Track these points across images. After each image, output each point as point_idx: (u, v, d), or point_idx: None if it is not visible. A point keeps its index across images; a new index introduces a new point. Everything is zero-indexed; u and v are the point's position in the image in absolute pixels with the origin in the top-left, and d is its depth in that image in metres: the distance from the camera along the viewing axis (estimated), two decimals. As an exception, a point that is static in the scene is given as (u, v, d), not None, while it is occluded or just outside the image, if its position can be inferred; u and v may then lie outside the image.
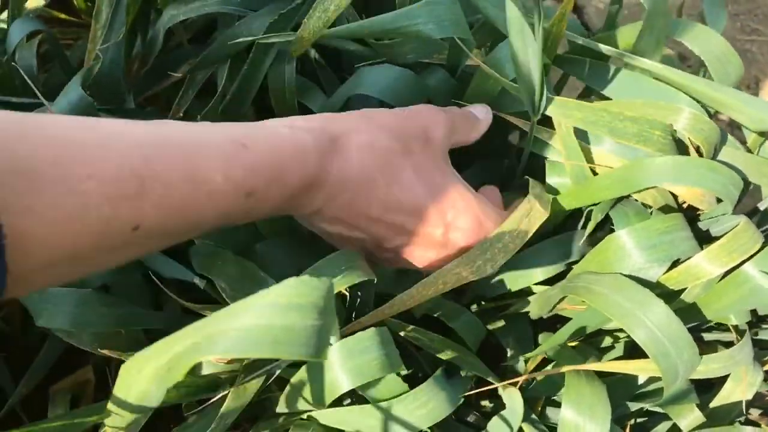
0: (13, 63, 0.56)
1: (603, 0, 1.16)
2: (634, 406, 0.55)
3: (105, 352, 0.49)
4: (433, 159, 0.44)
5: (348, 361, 0.42)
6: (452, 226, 0.44)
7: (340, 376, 0.42)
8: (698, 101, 0.48)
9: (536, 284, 0.53)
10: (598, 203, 0.49)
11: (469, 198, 0.45)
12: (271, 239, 0.51)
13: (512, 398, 0.48)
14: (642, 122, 0.47)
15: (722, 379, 0.54)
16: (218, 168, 0.33)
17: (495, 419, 0.49)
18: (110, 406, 0.30)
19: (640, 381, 0.54)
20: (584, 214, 0.53)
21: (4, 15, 0.65)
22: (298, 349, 0.24)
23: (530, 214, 0.46)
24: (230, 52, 0.53)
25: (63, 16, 0.77)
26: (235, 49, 0.53)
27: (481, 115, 0.49)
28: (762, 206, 0.53)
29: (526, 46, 0.44)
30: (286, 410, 0.46)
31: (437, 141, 0.45)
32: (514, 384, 0.50)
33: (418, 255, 0.46)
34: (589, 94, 0.61)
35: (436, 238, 0.44)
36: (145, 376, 0.28)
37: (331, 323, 0.26)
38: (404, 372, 0.44)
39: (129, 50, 0.59)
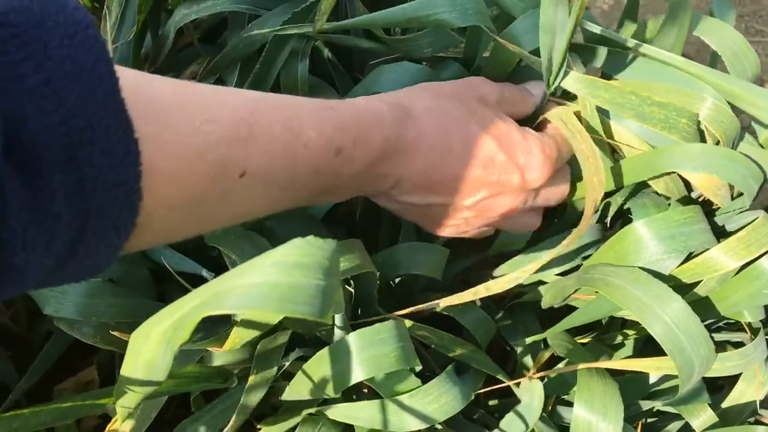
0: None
1: (607, 1, 1.16)
2: (646, 405, 0.54)
3: (109, 346, 0.48)
4: (494, 114, 0.46)
5: (364, 351, 0.42)
6: (527, 167, 0.45)
7: (354, 366, 0.42)
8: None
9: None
10: (618, 190, 0.48)
11: (532, 137, 0.46)
12: (283, 217, 0.51)
13: (532, 393, 0.48)
14: (670, 108, 0.46)
15: (732, 380, 0.54)
16: (312, 123, 0.36)
17: (510, 415, 0.49)
18: (119, 384, 0.30)
19: (653, 380, 0.54)
20: (601, 207, 0.52)
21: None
22: (303, 307, 0.24)
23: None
24: (243, 53, 0.53)
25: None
26: (247, 49, 0.52)
27: (535, 90, 0.50)
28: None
29: (556, 13, 0.44)
30: (293, 399, 0.45)
31: (492, 103, 0.47)
32: (537, 378, 0.49)
33: (499, 205, 0.46)
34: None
35: (515, 183, 0.45)
36: (152, 342, 0.28)
37: (335, 286, 0.26)
38: (418, 368, 0.44)
39: (138, 50, 0.59)
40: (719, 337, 0.58)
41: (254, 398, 0.44)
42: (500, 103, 0.48)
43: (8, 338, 0.63)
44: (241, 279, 0.25)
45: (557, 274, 0.51)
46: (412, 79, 0.50)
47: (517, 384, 0.51)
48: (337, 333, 0.45)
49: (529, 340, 0.56)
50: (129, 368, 0.29)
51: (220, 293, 0.25)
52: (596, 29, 0.48)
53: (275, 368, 0.44)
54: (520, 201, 0.47)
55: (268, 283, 0.24)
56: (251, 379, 0.44)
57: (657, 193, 0.49)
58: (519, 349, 0.57)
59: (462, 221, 0.48)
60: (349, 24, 0.47)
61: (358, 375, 0.42)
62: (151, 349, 0.28)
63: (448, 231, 0.49)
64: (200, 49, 0.60)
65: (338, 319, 0.45)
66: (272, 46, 0.51)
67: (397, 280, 0.58)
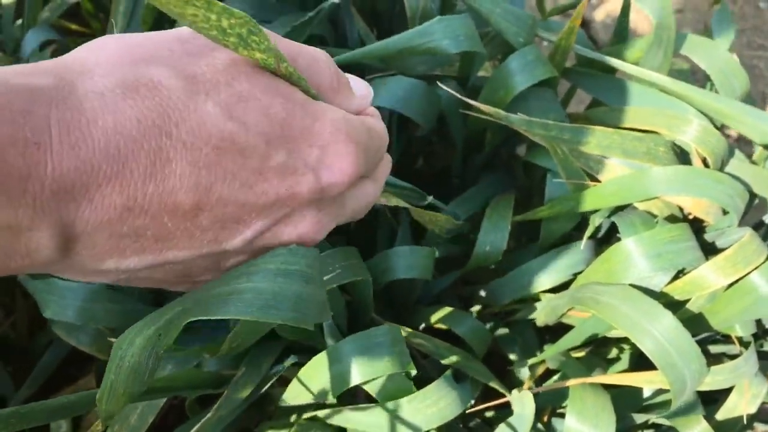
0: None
1: (610, 15, 1.17)
2: (640, 419, 0.55)
3: (105, 356, 0.49)
4: (255, 77, 0.27)
5: (359, 355, 0.42)
6: (322, 166, 0.29)
7: (349, 370, 0.42)
8: (705, 114, 0.49)
9: (543, 291, 0.53)
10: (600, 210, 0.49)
11: (329, 114, 0.29)
12: None
13: (523, 403, 0.49)
14: (648, 140, 0.48)
15: (727, 392, 0.54)
16: None
17: (503, 426, 0.50)
18: (102, 388, 0.31)
19: (647, 393, 0.55)
20: (591, 223, 0.53)
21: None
22: (285, 313, 0.25)
23: None
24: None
25: (74, 27, 0.78)
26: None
27: (358, 87, 0.34)
28: (767, 219, 0.54)
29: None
30: (289, 404, 0.46)
31: (241, 64, 0.27)
32: (528, 389, 0.50)
33: (287, 235, 0.29)
34: (597, 106, 0.61)
35: (305, 193, 0.29)
36: (136, 348, 0.28)
37: (318, 294, 0.26)
38: (413, 372, 0.44)
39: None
40: (716, 349, 0.59)
41: (242, 397, 0.45)
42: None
43: (7, 350, 0.64)
44: (225, 286, 0.26)
45: (548, 290, 0.52)
46: (407, 93, 0.51)
47: (520, 390, 0.52)
48: (328, 340, 0.46)
49: (531, 361, 0.56)
50: (112, 373, 0.30)
51: (206, 299, 0.25)
52: (587, 53, 0.49)
53: (264, 372, 0.45)
54: (317, 219, 0.30)
55: (251, 290, 0.25)
56: (239, 381, 0.45)
57: (644, 211, 0.50)
58: (516, 361, 0.58)
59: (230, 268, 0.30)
60: (351, 57, 0.47)
61: (355, 378, 0.42)
62: (134, 353, 0.28)
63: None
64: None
65: (326, 327, 0.46)
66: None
67: (391, 291, 0.59)
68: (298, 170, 0.28)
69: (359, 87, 0.34)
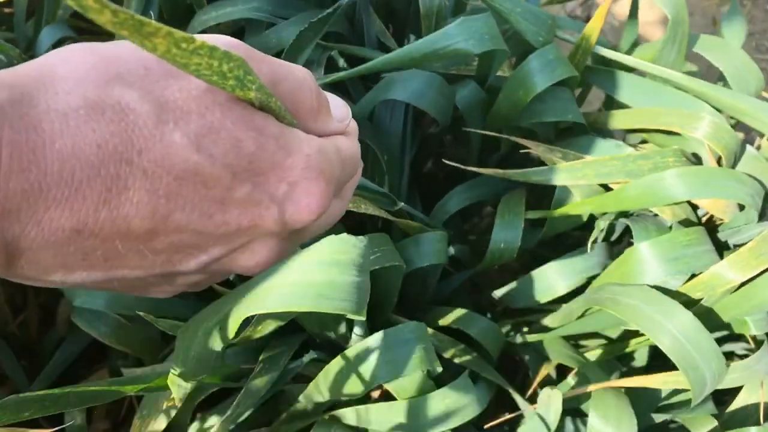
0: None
1: (617, 18, 1.17)
2: (658, 418, 0.55)
3: (122, 346, 0.50)
4: (231, 109, 0.26)
5: (387, 352, 0.42)
6: (288, 201, 0.28)
7: (378, 367, 0.42)
8: (720, 112, 0.49)
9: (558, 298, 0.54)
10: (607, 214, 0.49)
11: (302, 145, 0.28)
12: None
13: (549, 403, 0.48)
14: (653, 155, 0.48)
15: (736, 391, 0.54)
16: None
17: (526, 425, 0.49)
18: (174, 367, 0.32)
19: (664, 393, 0.55)
20: (605, 228, 0.54)
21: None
22: (340, 303, 0.25)
23: None
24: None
25: (84, 25, 0.79)
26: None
27: (337, 109, 0.32)
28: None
29: None
30: (308, 401, 0.46)
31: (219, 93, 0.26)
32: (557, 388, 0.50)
33: (244, 261, 0.29)
34: (610, 104, 0.62)
35: (268, 226, 0.28)
36: (200, 338, 0.29)
37: (368, 282, 0.26)
38: (439, 369, 0.44)
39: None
40: (723, 348, 0.59)
41: (260, 391, 0.45)
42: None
43: (18, 347, 0.64)
44: (278, 278, 0.26)
45: (565, 294, 0.52)
46: (423, 86, 0.50)
47: (531, 399, 0.52)
48: (356, 333, 0.46)
49: (544, 370, 0.56)
50: (180, 360, 0.30)
51: (260, 293, 0.26)
52: (606, 52, 0.49)
53: (282, 366, 0.45)
54: (277, 249, 0.29)
55: (305, 282, 0.25)
56: (257, 374, 0.45)
57: (657, 216, 0.50)
58: (529, 363, 0.58)
59: (183, 287, 0.31)
60: (372, 66, 0.47)
61: (384, 375, 0.42)
62: (199, 344, 0.29)
63: (160, 296, 0.32)
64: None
65: (356, 321, 0.45)
66: (289, 53, 0.52)
67: (405, 289, 0.59)
68: (263, 203, 0.27)
69: (338, 107, 0.32)
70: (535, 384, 0.56)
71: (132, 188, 0.24)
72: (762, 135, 0.51)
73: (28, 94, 0.23)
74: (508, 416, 0.50)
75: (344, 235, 0.27)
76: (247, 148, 0.26)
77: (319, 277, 0.25)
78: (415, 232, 0.50)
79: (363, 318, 0.25)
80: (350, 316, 0.24)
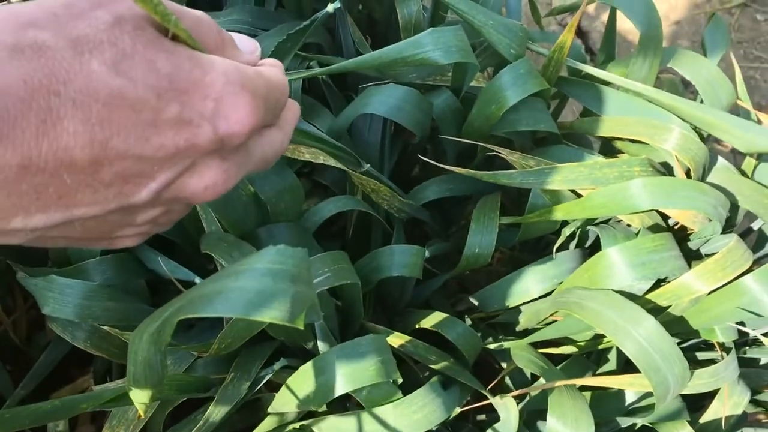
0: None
1: (600, 30, 1.18)
2: (624, 422, 0.56)
3: (99, 352, 0.50)
4: (139, 36, 0.28)
5: (345, 364, 0.43)
6: (217, 115, 0.29)
7: (335, 379, 0.43)
8: (692, 125, 0.50)
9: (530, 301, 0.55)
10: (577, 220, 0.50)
11: (218, 66, 0.30)
12: (275, 224, 0.52)
13: (508, 409, 0.50)
14: (619, 164, 0.49)
15: (711, 398, 0.55)
16: None
17: (490, 430, 0.51)
18: (128, 379, 0.33)
19: (633, 397, 0.55)
20: (577, 236, 0.55)
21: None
22: (271, 311, 0.26)
23: None
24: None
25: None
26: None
27: (244, 44, 0.35)
28: (755, 226, 0.55)
29: None
30: (278, 411, 0.47)
31: (129, 19, 0.28)
32: (512, 396, 0.51)
33: (195, 185, 0.30)
34: (587, 114, 0.63)
35: (205, 143, 0.29)
36: (144, 343, 0.30)
37: (306, 293, 0.27)
38: (399, 380, 0.45)
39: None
40: (703, 356, 0.60)
41: (231, 400, 0.46)
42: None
43: (7, 350, 0.65)
44: (215, 285, 0.27)
45: (535, 298, 0.53)
46: (400, 101, 0.52)
47: (504, 397, 0.53)
48: (320, 343, 0.47)
49: (509, 368, 0.57)
50: (132, 366, 0.31)
51: (196, 298, 0.27)
52: (577, 65, 0.50)
53: (254, 374, 0.46)
54: (222, 169, 0.31)
55: (239, 289, 0.26)
56: (229, 384, 0.46)
57: (625, 223, 0.51)
58: (505, 367, 0.59)
59: (146, 227, 0.33)
60: (344, 66, 0.48)
61: (340, 388, 0.44)
62: (144, 348, 0.30)
63: (127, 243, 0.34)
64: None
65: (318, 328, 0.47)
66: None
67: (382, 293, 0.60)
68: (193, 121, 0.28)
69: (246, 44, 0.35)
70: (500, 377, 0.57)
71: (65, 118, 0.25)
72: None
73: None
74: (477, 405, 0.51)
75: (281, 246, 0.28)
76: (163, 68, 0.27)
77: (252, 284, 0.26)
78: (387, 198, 0.52)
79: (300, 327, 0.26)
80: (284, 323, 0.25)
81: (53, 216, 0.27)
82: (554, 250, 0.51)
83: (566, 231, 0.50)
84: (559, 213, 0.49)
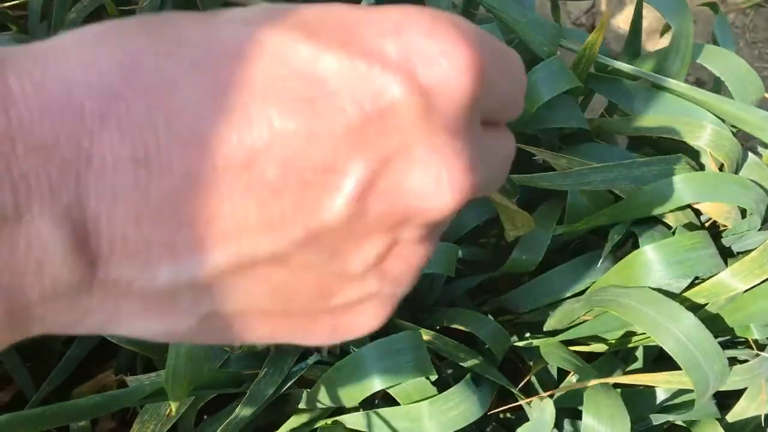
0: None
1: (621, 27, 1.18)
2: (657, 419, 0.56)
3: (130, 346, 0.50)
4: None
5: (381, 361, 0.43)
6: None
7: (372, 375, 0.43)
8: (722, 120, 0.50)
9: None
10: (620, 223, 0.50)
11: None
12: None
13: (543, 409, 0.49)
14: (658, 162, 0.49)
15: (739, 396, 0.55)
16: None
17: (523, 428, 0.50)
18: (167, 373, 0.32)
19: (664, 395, 0.55)
20: (609, 235, 0.55)
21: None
22: None
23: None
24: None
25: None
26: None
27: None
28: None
29: None
30: (309, 408, 0.47)
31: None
32: (548, 396, 0.51)
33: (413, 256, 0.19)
34: (612, 112, 0.63)
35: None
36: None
37: None
38: (434, 377, 0.45)
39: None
40: (728, 354, 0.60)
41: (264, 395, 0.45)
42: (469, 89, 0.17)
43: (26, 346, 0.65)
44: None
45: (566, 298, 0.53)
46: None
47: (529, 403, 0.53)
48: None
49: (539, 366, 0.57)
50: (172, 359, 0.31)
51: None
52: (609, 62, 0.50)
53: (286, 370, 0.46)
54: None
55: None
56: (262, 379, 0.45)
57: (663, 223, 0.51)
58: (532, 366, 0.59)
59: (374, 281, 0.19)
60: None
61: (377, 384, 0.43)
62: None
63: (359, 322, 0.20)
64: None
65: None
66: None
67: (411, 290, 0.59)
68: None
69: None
70: (528, 377, 0.57)
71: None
72: (764, 144, 0.52)
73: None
74: (510, 405, 0.51)
75: None
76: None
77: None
78: (520, 224, 0.50)
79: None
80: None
81: (220, 254, 0.16)
82: (602, 256, 0.51)
83: (614, 235, 0.50)
84: (606, 217, 0.49)
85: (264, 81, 0.16)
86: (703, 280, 0.48)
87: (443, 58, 0.16)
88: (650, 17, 0.62)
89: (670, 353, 0.42)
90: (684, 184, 0.46)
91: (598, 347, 0.58)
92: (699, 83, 1.09)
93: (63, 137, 0.14)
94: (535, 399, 0.50)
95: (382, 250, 0.18)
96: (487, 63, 0.17)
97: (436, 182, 0.17)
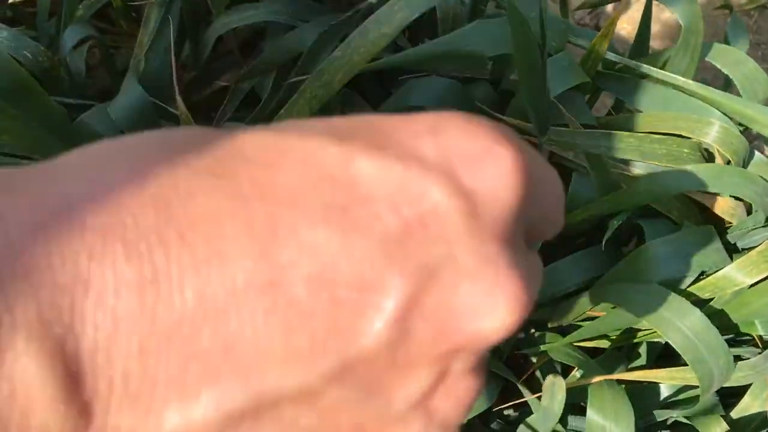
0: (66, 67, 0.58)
1: (625, 27, 1.18)
2: (660, 416, 0.56)
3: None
4: None
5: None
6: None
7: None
8: (731, 119, 0.51)
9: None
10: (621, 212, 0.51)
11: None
12: None
13: (554, 394, 0.49)
14: (669, 142, 0.49)
15: (743, 393, 0.55)
16: None
17: (532, 417, 0.50)
18: None
19: (667, 391, 0.56)
20: (614, 227, 0.55)
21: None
22: None
23: None
24: (280, 60, 0.55)
25: (104, 26, 0.80)
26: (284, 57, 0.55)
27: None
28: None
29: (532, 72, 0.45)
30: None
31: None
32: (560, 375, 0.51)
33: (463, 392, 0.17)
34: (618, 108, 0.63)
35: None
36: None
37: None
38: None
39: (177, 56, 0.61)
40: (733, 351, 0.60)
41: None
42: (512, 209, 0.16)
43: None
44: None
45: (570, 293, 0.53)
46: (442, 92, 0.51)
47: (539, 397, 0.53)
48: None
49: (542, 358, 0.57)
50: None
51: None
52: (614, 57, 0.50)
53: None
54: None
55: None
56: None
57: (669, 218, 0.51)
58: (535, 361, 0.59)
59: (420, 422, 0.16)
60: (388, 62, 0.48)
61: None
62: None
63: None
64: (238, 58, 0.62)
65: None
66: (309, 56, 0.52)
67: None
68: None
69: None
70: (532, 370, 0.57)
71: None
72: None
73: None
74: (516, 401, 0.51)
75: None
76: None
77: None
78: None
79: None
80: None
81: (230, 396, 0.14)
82: (603, 243, 0.51)
83: (614, 223, 0.50)
84: (607, 205, 0.49)
85: (290, 187, 0.14)
86: (708, 275, 0.48)
87: (487, 158, 0.15)
88: (652, 20, 0.63)
89: (677, 349, 0.43)
90: (688, 173, 0.46)
91: (602, 343, 0.58)
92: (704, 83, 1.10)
93: (56, 257, 0.13)
94: (549, 377, 0.50)
95: (430, 384, 0.16)
96: (530, 168, 0.16)
97: (491, 298, 0.15)
